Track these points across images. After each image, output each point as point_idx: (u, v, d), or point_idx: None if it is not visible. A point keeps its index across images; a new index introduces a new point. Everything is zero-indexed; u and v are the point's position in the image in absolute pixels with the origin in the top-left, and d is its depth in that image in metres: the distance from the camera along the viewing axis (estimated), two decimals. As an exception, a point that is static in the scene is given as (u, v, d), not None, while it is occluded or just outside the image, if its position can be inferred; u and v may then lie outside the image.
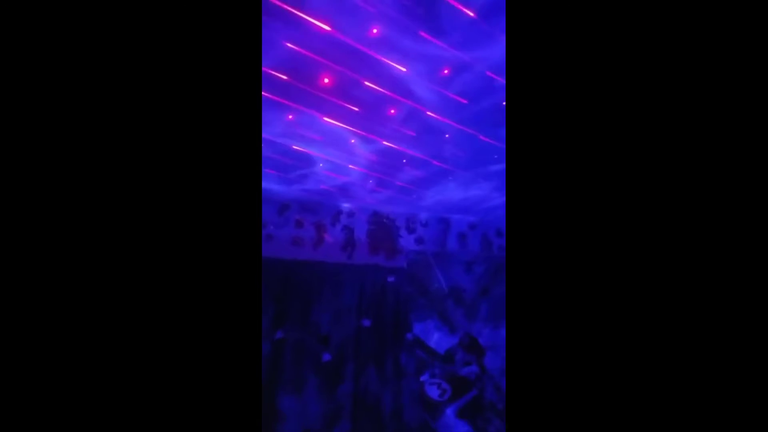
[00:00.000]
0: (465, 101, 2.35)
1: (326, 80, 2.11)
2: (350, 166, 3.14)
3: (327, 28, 1.77)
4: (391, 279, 3.59)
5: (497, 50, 1.88)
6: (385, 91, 2.23)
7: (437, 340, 3.60)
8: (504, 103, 2.32)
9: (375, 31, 1.81)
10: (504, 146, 2.75)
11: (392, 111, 2.46)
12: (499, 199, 3.54)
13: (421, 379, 3.39)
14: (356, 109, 2.40)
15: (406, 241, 3.83)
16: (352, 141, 2.80)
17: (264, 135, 2.58)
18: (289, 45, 1.86)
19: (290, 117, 2.46)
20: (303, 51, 1.89)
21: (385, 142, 2.84)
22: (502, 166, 3.08)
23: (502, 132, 2.59)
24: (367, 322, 3.43)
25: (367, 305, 3.48)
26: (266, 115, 2.40)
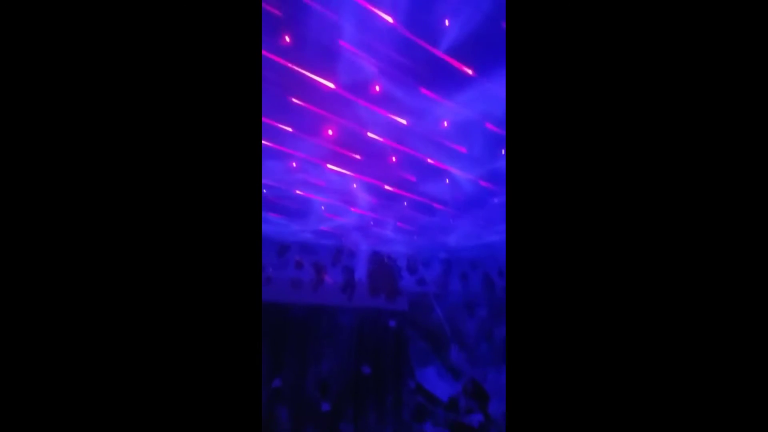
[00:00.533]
0: (464, 150, 2.40)
1: (330, 132, 2.17)
2: (351, 208, 3.17)
3: (331, 85, 1.83)
4: (392, 323, 3.53)
5: (496, 105, 1.94)
6: (387, 141, 2.28)
7: (440, 386, 3.51)
8: (503, 152, 2.37)
9: (377, 88, 1.88)
10: (503, 190, 2.78)
11: (393, 158, 2.51)
12: (499, 236, 3.54)
13: (424, 428, 3.28)
14: (358, 156, 2.45)
15: (407, 282, 3.80)
16: (354, 185, 2.84)
17: (267, 181, 2.61)
18: (294, 100, 1.92)
19: (293, 164, 2.51)
20: (307, 106, 1.95)
21: (386, 187, 2.88)
22: (501, 204, 3.10)
23: (501, 176, 2.64)
24: (367, 369, 3.34)
25: (367, 350, 3.41)
26: (270, 163, 2.44)
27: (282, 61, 1.72)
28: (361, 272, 3.66)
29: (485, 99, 1.92)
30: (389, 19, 1.55)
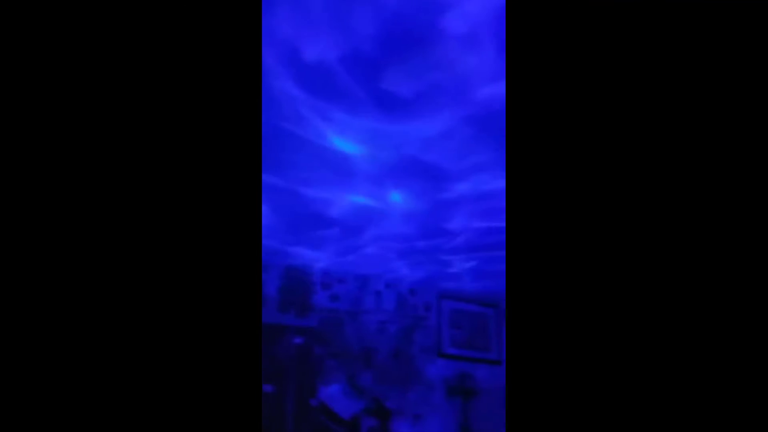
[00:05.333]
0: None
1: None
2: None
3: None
4: (298, 340, 3.48)
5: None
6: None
7: (343, 404, 3.50)
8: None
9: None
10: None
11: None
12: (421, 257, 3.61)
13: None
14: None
15: (320, 298, 3.76)
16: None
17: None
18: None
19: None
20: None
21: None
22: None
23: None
24: (268, 387, 3.26)
25: (272, 368, 3.32)
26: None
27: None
28: (272, 287, 3.57)
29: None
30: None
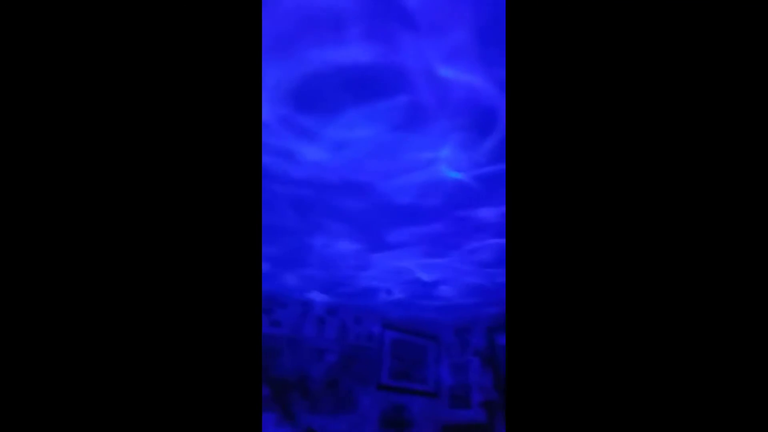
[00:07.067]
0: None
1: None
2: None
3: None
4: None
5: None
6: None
7: (275, 435, 3.40)
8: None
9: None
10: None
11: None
12: (366, 283, 3.63)
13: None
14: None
15: (261, 324, 3.66)
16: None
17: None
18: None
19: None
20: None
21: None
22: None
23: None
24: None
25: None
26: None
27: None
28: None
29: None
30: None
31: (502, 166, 1.92)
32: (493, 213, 2.36)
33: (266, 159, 1.95)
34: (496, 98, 1.57)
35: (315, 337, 3.87)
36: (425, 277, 3.33)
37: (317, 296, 3.90)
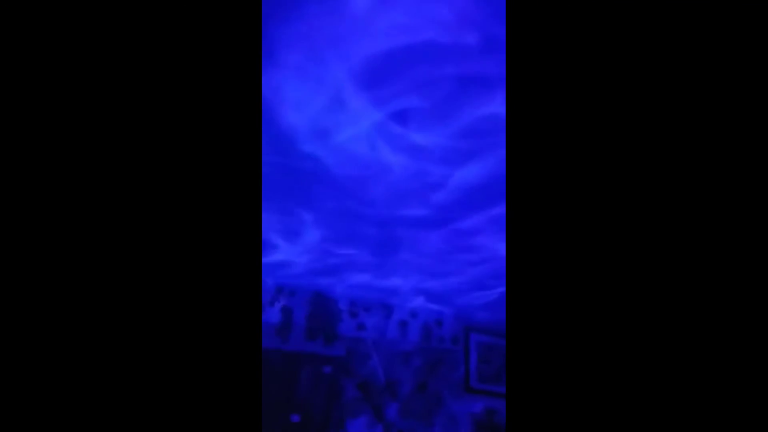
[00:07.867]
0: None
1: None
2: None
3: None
4: (327, 369, 3.43)
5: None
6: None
7: (369, 437, 3.43)
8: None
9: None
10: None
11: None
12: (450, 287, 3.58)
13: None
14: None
15: (347, 327, 3.74)
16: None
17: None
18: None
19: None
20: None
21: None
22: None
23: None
24: (295, 418, 3.21)
25: (299, 397, 3.28)
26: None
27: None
28: (299, 314, 3.57)
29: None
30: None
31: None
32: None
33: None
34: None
35: (399, 340, 3.87)
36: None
37: (419, 302, 3.91)
